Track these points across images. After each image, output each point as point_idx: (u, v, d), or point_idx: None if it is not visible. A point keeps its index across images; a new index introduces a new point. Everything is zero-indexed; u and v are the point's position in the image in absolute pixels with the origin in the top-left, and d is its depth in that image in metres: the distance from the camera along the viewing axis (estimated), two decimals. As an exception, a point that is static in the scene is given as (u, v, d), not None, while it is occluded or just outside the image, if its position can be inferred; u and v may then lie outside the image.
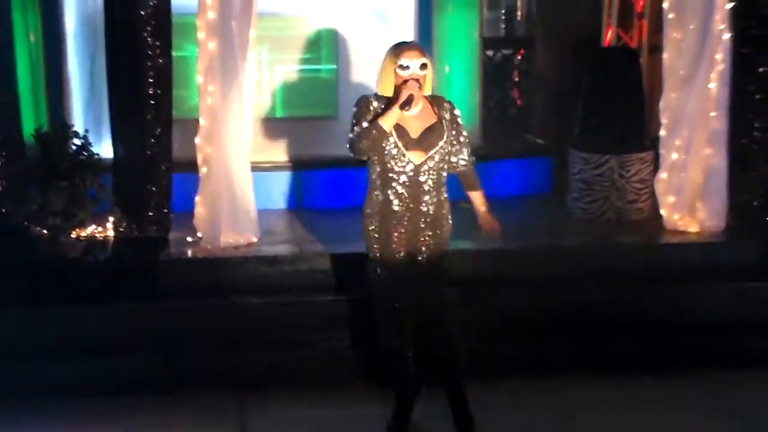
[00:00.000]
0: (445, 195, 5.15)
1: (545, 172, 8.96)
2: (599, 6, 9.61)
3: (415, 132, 5.00)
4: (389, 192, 5.04)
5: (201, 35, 6.35)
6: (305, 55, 8.53)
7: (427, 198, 5.07)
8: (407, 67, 4.89)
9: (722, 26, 6.90)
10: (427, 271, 5.14)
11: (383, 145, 4.94)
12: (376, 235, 5.08)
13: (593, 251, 6.70)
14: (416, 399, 5.17)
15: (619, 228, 7.23)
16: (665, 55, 7.12)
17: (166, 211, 6.48)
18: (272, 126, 8.18)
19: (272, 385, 5.57)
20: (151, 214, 6.43)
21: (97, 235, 6.41)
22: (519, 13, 11.92)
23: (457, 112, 5.13)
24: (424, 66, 4.91)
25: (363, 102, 5.05)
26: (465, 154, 5.15)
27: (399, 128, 4.95)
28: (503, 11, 12.28)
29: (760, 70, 7.27)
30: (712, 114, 6.78)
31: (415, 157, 5.01)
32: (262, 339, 5.77)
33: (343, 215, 7.06)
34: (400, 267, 5.09)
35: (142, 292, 5.91)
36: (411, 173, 5.02)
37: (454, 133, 5.08)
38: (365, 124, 4.92)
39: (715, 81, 6.76)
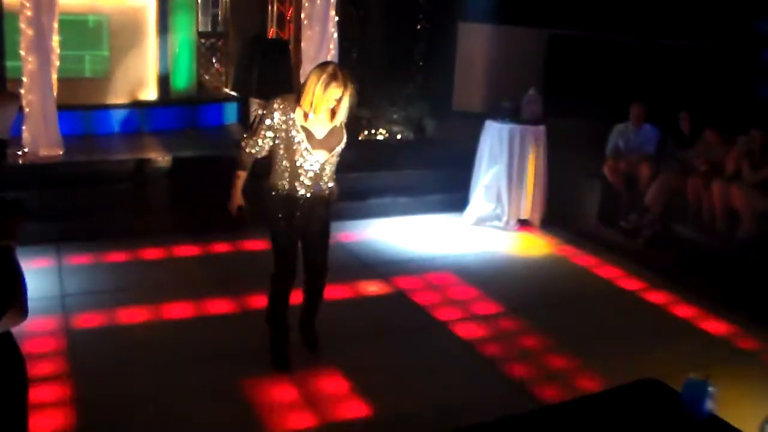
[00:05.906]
0: (335, 177, 5.19)
1: (238, 112, 11.04)
2: (266, 13, 11.63)
3: (319, 134, 4.99)
4: (296, 183, 5.04)
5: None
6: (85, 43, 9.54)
7: (324, 185, 5.12)
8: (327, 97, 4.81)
9: (333, 29, 9.38)
10: (320, 233, 5.27)
11: (293, 146, 4.94)
12: (280, 215, 5.08)
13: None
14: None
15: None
16: (303, 45, 9.42)
17: None
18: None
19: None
20: None
21: None
22: (220, 16, 12.95)
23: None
24: (338, 100, 4.86)
25: (269, 109, 4.97)
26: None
27: (306, 131, 4.92)
28: (211, 16, 13.13)
29: (354, 55, 10.32)
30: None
31: (320, 155, 5.03)
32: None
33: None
34: (299, 234, 5.21)
35: None
36: (317, 169, 5.05)
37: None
38: (255, 138, 4.96)
39: (330, 63, 8.58)
